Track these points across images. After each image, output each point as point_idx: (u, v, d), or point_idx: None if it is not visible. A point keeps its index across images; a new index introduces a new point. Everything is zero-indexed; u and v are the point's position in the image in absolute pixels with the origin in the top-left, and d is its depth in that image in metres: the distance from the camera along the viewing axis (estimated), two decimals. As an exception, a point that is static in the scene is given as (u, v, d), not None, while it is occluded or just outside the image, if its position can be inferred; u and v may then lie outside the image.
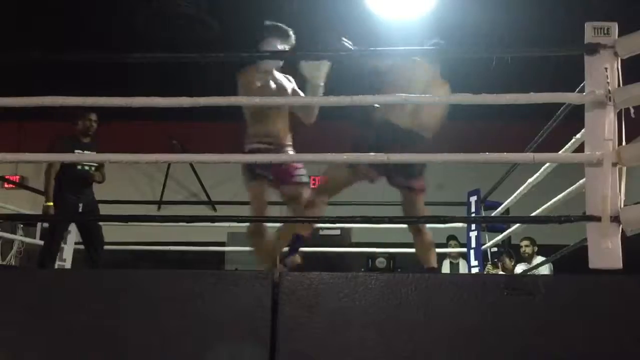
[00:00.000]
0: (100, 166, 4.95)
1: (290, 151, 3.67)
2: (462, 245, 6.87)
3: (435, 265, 3.62)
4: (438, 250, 6.97)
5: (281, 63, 3.71)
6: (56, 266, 5.57)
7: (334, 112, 3.83)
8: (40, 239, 6.29)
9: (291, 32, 3.65)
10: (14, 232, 6.32)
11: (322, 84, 3.51)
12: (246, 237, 3.73)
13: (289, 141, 3.69)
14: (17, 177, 9.25)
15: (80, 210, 4.78)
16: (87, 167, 4.88)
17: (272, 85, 3.60)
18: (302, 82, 3.60)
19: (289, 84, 3.73)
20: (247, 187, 3.67)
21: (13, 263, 6.44)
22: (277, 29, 3.67)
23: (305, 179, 3.70)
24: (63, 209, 4.72)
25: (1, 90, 2.97)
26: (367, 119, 3.41)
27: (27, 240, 6.32)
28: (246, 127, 3.66)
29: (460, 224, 6.00)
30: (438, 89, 3.28)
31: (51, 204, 4.69)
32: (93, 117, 4.90)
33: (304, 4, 6.32)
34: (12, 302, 2.20)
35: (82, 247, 5.88)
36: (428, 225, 5.54)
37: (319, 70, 3.50)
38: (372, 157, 3.00)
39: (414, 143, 3.20)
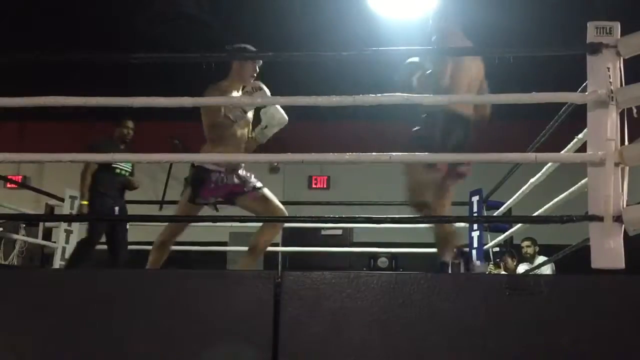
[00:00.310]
0: (132, 173, 4.98)
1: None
2: (462, 245, 6.87)
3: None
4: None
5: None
6: (57, 266, 5.58)
7: (337, 112, 3.83)
8: (43, 238, 6.30)
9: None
10: (16, 232, 6.33)
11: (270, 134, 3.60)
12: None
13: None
14: (20, 177, 9.28)
15: (116, 213, 4.81)
16: (124, 172, 4.91)
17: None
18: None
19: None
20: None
21: (15, 263, 6.45)
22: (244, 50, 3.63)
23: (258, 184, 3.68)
24: (100, 211, 4.74)
25: (2, 90, 2.97)
26: (432, 114, 3.35)
27: (30, 240, 6.33)
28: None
29: (462, 224, 6.00)
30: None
31: (86, 202, 4.71)
32: (130, 124, 4.91)
33: (305, 4, 6.33)
34: (14, 301, 2.20)
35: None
36: (427, 225, 5.56)
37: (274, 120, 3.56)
38: (374, 156, 2.99)
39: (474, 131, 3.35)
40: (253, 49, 3.59)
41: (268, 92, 3.50)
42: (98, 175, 4.71)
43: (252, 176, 3.67)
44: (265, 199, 3.63)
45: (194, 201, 3.56)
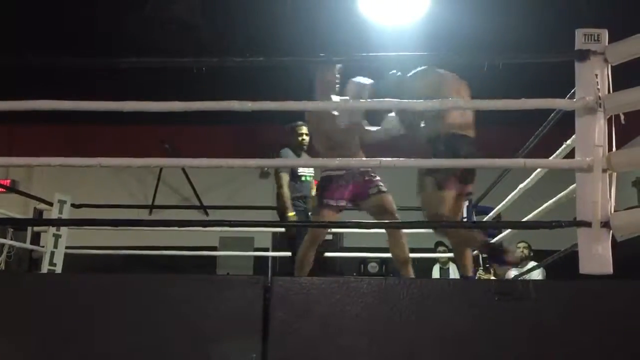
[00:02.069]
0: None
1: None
2: (450, 251, 6.89)
3: None
4: (427, 255, 7.05)
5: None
6: (45, 271, 5.54)
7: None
8: (31, 243, 6.26)
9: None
10: (4, 237, 6.28)
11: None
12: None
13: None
14: (8, 180, 9.21)
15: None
16: (309, 178, 4.94)
17: None
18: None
19: None
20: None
21: (3, 267, 6.39)
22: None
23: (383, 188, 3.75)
24: (298, 217, 4.77)
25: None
26: (433, 133, 3.43)
27: (18, 244, 6.28)
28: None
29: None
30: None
31: (293, 214, 4.69)
32: (304, 129, 4.87)
33: (296, 9, 6.34)
34: (2, 306, 2.18)
35: (73, 251, 5.87)
36: (419, 230, 5.57)
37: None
38: (364, 161, 3.01)
39: (476, 149, 3.37)
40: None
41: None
42: (290, 184, 4.80)
43: (378, 179, 3.75)
44: (382, 204, 3.72)
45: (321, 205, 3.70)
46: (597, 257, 2.32)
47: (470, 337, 2.09)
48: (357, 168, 3.60)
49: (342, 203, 3.67)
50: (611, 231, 2.34)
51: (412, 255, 6.48)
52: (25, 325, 2.15)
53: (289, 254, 7.09)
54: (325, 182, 3.65)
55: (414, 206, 3.84)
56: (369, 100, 3.18)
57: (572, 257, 2.59)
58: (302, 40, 6.30)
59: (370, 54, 2.96)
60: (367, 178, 3.66)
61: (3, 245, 6.32)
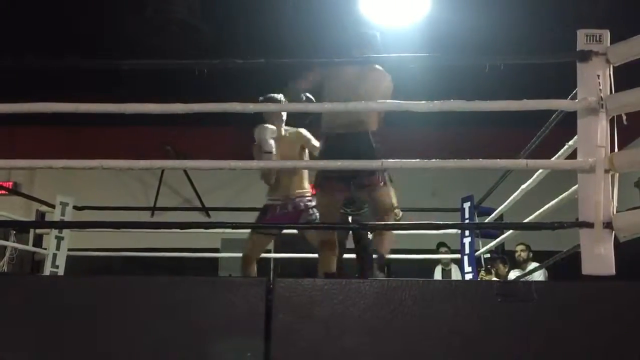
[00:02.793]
0: None
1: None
2: (452, 252, 6.89)
3: None
4: (430, 256, 7.05)
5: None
6: (48, 273, 5.55)
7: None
8: (33, 245, 6.26)
9: (281, 97, 3.84)
10: (7, 239, 6.29)
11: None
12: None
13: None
14: (10, 183, 9.23)
15: None
16: None
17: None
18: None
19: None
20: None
21: (5, 270, 6.40)
22: (271, 99, 3.82)
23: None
24: None
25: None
26: (322, 132, 3.55)
27: (20, 246, 6.29)
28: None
29: (452, 230, 6.02)
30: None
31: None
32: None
33: (298, 10, 6.34)
34: (5, 308, 2.18)
35: (75, 253, 5.88)
36: (421, 232, 5.56)
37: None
38: (366, 163, 3.00)
39: (370, 144, 3.36)
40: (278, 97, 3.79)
41: None
42: None
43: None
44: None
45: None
46: (599, 258, 2.31)
47: (473, 338, 2.09)
48: (292, 199, 3.85)
49: (274, 231, 4.06)
50: (614, 232, 2.33)
51: (414, 256, 6.53)
52: (27, 328, 2.15)
53: (291, 255, 7.13)
54: (262, 211, 3.96)
55: (400, 208, 3.86)
56: (372, 102, 3.18)
57: (574, 258, 2.59)
58: (304, 42, 6.30)
59: (372, 55, 2.96)
60: (302, 208, 3.86)
61: (5, 247, 6.34)
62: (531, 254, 6.61)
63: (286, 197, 3.90)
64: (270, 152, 3.73)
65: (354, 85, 3.39)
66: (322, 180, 3.54)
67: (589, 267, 2.32)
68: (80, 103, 2.74)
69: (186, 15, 6.09)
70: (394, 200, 3.64)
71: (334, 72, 3.47)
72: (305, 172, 3.99)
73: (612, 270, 2.30)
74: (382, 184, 3.51)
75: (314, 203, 3.86)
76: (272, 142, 3.72)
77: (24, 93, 3.35)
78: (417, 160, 2.67)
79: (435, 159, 2.66)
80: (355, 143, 3.35)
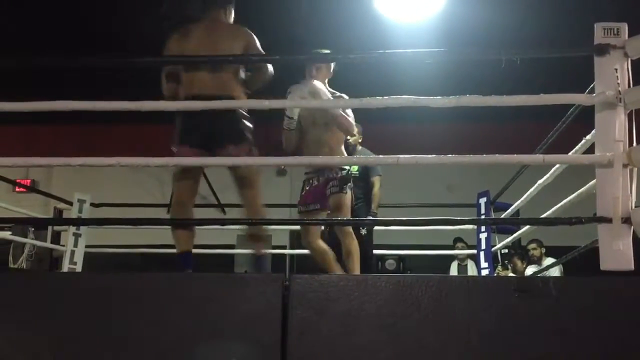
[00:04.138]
0: None
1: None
2: (469, 247, 6.86)
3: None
4: (446, 252, 7.03)
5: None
6: (67, 269, 5.60)
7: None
8: (52, 242, 6.33)
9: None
10: (25, 236, 6.36)
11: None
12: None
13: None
14: (28, 180, 9.32)
15: None
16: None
17: None
18: None
19: None
20: None
21: (24, 266, 6.47)
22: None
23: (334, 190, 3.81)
24: None
25: (9, 93, 2.99)
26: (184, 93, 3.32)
27: (38, 243, 6.36)
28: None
29: (469, 226, 5.99)
30: None
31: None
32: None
33: (312, 7, 6.33)
34: (24, 304, 2.21)
35: (92, 250, 5.93)
36: (437, 228, 5.55)
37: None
38: (381, 159, 3.00)
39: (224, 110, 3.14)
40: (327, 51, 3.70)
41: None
42: None
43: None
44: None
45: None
46: (618, 254, 2.29)
47: (490, 335, 2.08)
48: (321, 171, 3.85)
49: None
50: (632, 227, 2.31)
51: (430, 252, 6.51)
52: (45, 324, 2.17)
53: (307, 251, 7.13)
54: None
55: (416, 203, 3.85)
56: (387, 97, 3.17)
57: (590, 253, 2.57)
58: (318, 38, 6.29)
59: (387, 50, 2.95)
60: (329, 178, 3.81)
61: (24, 244, 6.40)
62: (544, 250, 6.57)
63: (316, 170, 3.86)
64: (291, 118, 3.74)
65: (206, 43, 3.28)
66: (177, 143, 3.27)
67: (607, 263, 2.30)
68: (97, 101, 2.76)
69: (201, 12, 6.09)
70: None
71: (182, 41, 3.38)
72: (338, 140, 3.90)
73: (631, 266, 2.28)
74: (250, 153, 3.30)
75: (343, 173, 3.81)
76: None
77: (40, 92, 3.38)
78: (433, 155, 2.66)
79: (451, 154, 2.65)
80: (211, 113, 3.06)
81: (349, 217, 3.87)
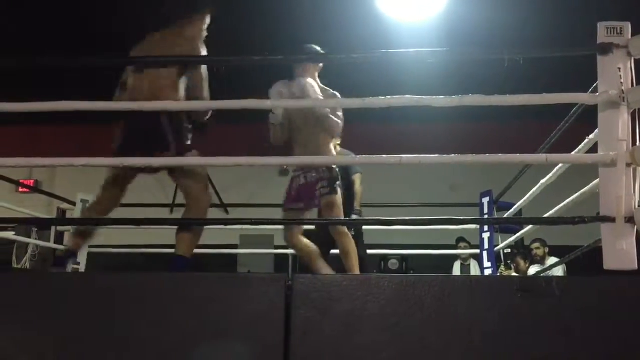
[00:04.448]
0: None
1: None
2: (471, 247, 6.85)
3: None
4: (448, 252, 7.03)
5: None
6: (70, 269, 5.61)
7: (346, 114, 3.85)
8: (55, 242, 6.34)
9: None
10: (29, 236, 6.37)
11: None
12: None
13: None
14: (32, 181, 9.34)
15: None
16: None
17: None
18: None
19: None
20: None
21: (28, 267, 6.48)
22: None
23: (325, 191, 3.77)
24: None
25: (12, 93, 2.99)
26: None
27: (42, 244, 6.37)
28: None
29: (471, 225, 5.99)
30: None
31: None
32: None
33: (314, 6, 6.33)
34: (28, 304, 2.22)
35: (95, 250, 5.93)
36: (440, 227, 5.54)
37: None
38: (384, 159, 3.00)
39: (157, 117, 3.09)
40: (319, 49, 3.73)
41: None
42: None
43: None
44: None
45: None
46: (621, 253, 2.29)
47: (493, 334, 2.08)
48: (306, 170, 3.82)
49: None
50: (635, 226, 2.31)
51: (432, 252, 6.51)
52: (49, 324, 2.18)
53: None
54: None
55: (419, 203, 3.84)
56: (390, 97, 3.17)
57: (594, 253, 2.57)
58: (320, 38, 6.29)
59: (390, 50, 2.95)
60: (314, 180, 3.78)
61: (28, 244, 6.41)
62: (547, 249, 6.56)
63: (302, 168, 3.83)
64: (274, 114, 3.75)
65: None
66: (115, 152, 3.20)
67: (610, 262, 2.29)
68: (99, 101, 2.76)
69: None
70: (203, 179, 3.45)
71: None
72: (328, 139, 3.89)
73: (635, 265, 2.27)
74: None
75: (332, 172, 3.79)
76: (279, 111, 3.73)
77: (43, 92, 3.38)
78: (436, 155, 2.66)
79: (454, 154, 2.65)
80: (141, 116, 3.04)
81: (341, 216, 3.84)
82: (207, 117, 3.39)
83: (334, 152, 4.02)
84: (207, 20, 3.56)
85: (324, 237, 4.09)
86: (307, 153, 3.78)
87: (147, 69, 3.23)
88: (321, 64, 3.93)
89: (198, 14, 3.54)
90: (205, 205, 3.37)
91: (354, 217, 4.86)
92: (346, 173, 5.08)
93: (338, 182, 3.81)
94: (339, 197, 3.79)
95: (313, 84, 3.74)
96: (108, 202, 3.41)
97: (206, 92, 3.34)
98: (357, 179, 5.14)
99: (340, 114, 3.82)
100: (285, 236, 3.91)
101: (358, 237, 4.81)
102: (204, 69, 3.35)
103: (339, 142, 5.15)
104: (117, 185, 3.35)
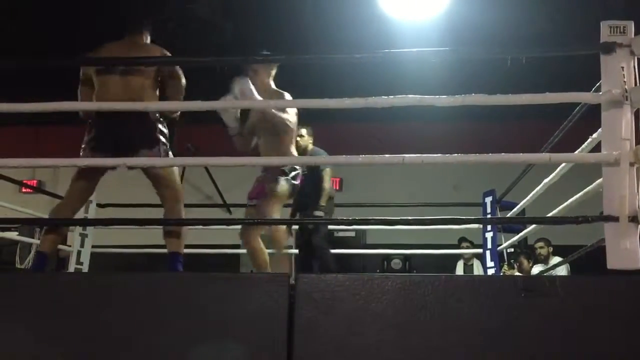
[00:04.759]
0: None
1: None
2: (474, 246, 6.85)
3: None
4: (451, 251, 7.04)
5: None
6: (73, 270, 5.62)
7: (349, 114, 3.84)
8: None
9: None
10: (32, 237, 6.38)
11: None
12: None
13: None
14: (35, 181, 9.34)
15: None
16: None
17: None
18: None
19: None
20: None
21: (31, 267, 6.49)
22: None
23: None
24: None
25: (15, 93, 3.00)
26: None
27: (45, 244, 6.37)
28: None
29: (474, 225, 5.98)
30: None
31: None
32: (301, 131, 4.96)
33: (317, 7, 6.33)
34: (31, 304, 2.22)
35: (99, 250, 5.94)
36: (442, 227, 5.54)
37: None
38: (387, 158, 2.99)
39: (142, 120, 3.14)
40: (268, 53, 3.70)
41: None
42: None
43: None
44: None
45: None
46: (625, 252, 2.28)
47: (496, 334, 2.08)
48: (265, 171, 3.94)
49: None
50: (639, 226, 2.30)
51: (435, 251, 6.51)
52: (53, 325, 2.18)
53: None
54: None
55: (422, 203, 3.83)
56: (393, 97, 3.17)
57: (597, 252, 2.56)
58: (323, 38, 6.30)
59: (392, 50, 2.95)
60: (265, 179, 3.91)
61: (31, 245, 6.42)
62: (551, 249, 6.55)
63: (266, 169, 3.95)
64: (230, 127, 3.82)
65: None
66: (88, 152, 3.23)
67: (614, 262, 2.29)
68: (102, 102, 2.77)
69: (207, 13, 6.11)
70: (178, 180, 3.47)
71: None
72: (287, 142, 3.94)
73: (638, 264, 2.27)
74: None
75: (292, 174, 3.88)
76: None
77: (46, 92, 3.39)
78: (439, 155, 2.65)
79: (457, 153, 2.64)
80: (123, 120, 3.10)
81: (273, 208, 3.90)
82: (176, 114, 3.44)
83: (295, 154, 4.09)
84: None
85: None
86: (269, 154, 3.88)
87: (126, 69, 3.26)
88: (274, 69, 3.93)
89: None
90: (182, 197, 3.45)
91: (318, 213, 4.83)
92: (315, 169, 5.05)
93: (284, 177, 3.88)
94: (280, 189, 3.87)
95: (249, 86, 3.72)
96: (78, 199, 3.40)
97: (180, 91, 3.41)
98: (325, 175, 5.10)
99: (286, 115, 3.84)
100: (242, 233, 3.97)
101: (315, 234, 4.82)
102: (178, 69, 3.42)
103: (311, 141, 5.16)
104: (84, 182, 3.32)
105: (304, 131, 5.00)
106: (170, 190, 3.36)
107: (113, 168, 2.99)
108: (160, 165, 3.13)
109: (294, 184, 3.93)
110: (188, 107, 3.33)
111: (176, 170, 3.44)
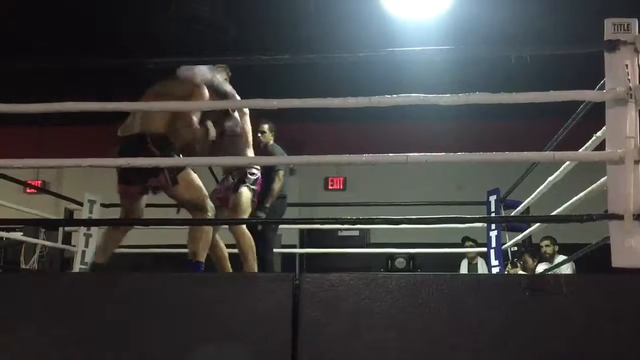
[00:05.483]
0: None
1: None
2: (478, 245, 6.84)
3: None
4: (455, 250, 7.03)
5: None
6: (77, 270, 5.63)
7: (353, 113, 3.84)
8: (63, 243, 6.36)
9: None
10: (36, 237, 6.40)
11: None
12: None
13: None
14: (39, 181, 9.37)
15: None
16: None
17: None
18: None
19: None
20: None
21: (36, 267, 6.51)
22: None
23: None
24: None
25: (20, 94, 3.01)
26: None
27: (49, 244, 6.39)
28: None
29: (479, 224, 5.98)
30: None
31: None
32: (263, 127, 4.96)
33: (320, 5, 6.33)
34: (36, 305, 2.22)
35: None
36: (446, 226, 5.53)
37: None
38: (391, 158, 2.99)
39: (142, 147, 3.29)
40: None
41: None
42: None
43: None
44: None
45: None
46: (630, 250, 2.28)
47: (501, 333, 2.07)
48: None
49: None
50: (644, 224, 2.30)
51: (440, 250, 6.50)
52: (58, 325, 2.18)
53: (316, 250, 7.14)
54: None
55: (426, 201, 3.82)
56: (397, 95, 3.16)
57: (602, 250, 2.55)
58: (326, 37, 6.30)
59: (396, 49, 2.95)
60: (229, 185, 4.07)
61: (36, 245, 6.44)
62: (557, 247, 6.54)
63: (227, 170, 4.06)
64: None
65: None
66: (118, 183, 3.57)
67: (619, 260, 2.28)
68: (106, 102, 2.77)
69: (210, 13, 6.11)
70: (197, 194, 3.58)
71: None
72: (241, 144, 3.98)
73: (643, 263, 2.26)
74: (170, 184, 3.44)
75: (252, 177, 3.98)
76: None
77: (50, 92, 3.40)
78: (442, 154, 2.65)
79: (461, 152, 2.64)
80: (127, 146, 3.35)
81: (244, 215, 4.04)
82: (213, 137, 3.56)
83: (251, 152, 4.14)
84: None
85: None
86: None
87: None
88: (229, 72, 3.90)
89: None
90: (210, 211, 3.59)
91: (260, 214, 4.79)
92: (270, 169, 5.01)
93: (246, 183, 4.01)
94: (243, 195, 4.00)
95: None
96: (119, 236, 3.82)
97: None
98: (277, 176, 5.01)
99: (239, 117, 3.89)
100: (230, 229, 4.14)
101: (259, 237, 4.77)
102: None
103: (272, 138, 5.13)
104: (126, 204, 3.69)
105: (265, 127, 4.99)
106: (197, 213, 3.57)
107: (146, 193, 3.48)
108: (165, 165, 3.13)
109: (254, 190, 4.08)
110: (177, 108, 3.33)
111: (199, 193, 3.56)
